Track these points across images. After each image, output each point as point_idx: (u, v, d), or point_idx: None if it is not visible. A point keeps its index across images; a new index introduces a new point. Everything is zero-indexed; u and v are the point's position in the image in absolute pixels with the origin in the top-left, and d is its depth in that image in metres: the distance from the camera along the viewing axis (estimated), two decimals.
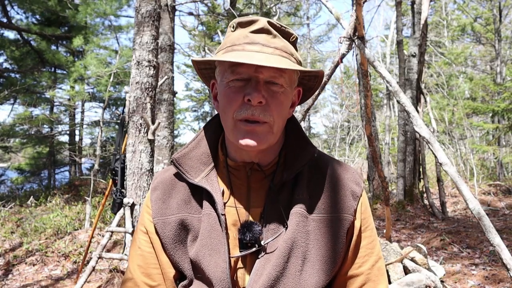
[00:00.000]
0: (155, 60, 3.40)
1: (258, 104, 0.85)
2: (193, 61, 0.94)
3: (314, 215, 0.91)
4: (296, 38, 0.92)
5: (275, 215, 0.90)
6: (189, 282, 0.94)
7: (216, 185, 0.93)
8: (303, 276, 0.87)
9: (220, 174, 0.97)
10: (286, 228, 0.89)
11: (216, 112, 1.00)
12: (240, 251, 0.89)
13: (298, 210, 0.90)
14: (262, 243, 0.88)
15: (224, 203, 0.93)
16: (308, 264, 0.88)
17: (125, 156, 3.47)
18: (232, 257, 0.89)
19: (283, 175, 0.93)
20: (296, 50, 0.94)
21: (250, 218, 0.92)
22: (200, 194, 0.95)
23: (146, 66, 3.34)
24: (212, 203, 0.92)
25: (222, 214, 0.90)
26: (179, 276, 0.97)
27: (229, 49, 0.89)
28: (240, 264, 0.90)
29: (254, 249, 0.88)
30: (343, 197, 0.94)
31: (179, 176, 0.98)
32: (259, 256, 0.88)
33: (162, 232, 0.94)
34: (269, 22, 0.88)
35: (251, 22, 0.89)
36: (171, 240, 0.93)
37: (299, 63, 0.93)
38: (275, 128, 0.89)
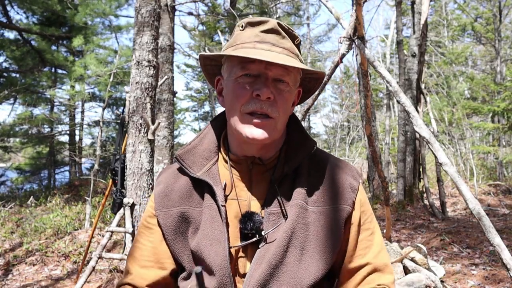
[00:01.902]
0: (155, 60, 3.40)
1: (267, 100, 0.89)
2: (200, 56, 0.98)
3: (314, 207, 0.94)
4: (300, 42, 0.96)
5: (276, 207, 0.93)
6: (188, 274, 0.96)
7: (217, 178, 0.96)
8: (302, 265, 0.90)
9: (222, 168, 1.00)
10: (286, 219, 0.92)
11: (217, 111, 1.02)
12: (241, 241, 0.92)
13: (298, 202, 0.93)
14: (262, 233, 0.91)
15: (226, 196, 0.96)
16: (307, 254, 0.91)
17: (125, 156, 3.47)
18: (233, 247, 0.92)
19: (284, 168, 0.96)
20: (300, 52, 0.98)
21: (252, 209, 0.95)
22: (202, 188, 0.98)
23: (146, 66, 3.33)
24: (213, 195, 0.94)
25: (223, 206, 0.92)
26: (178, 269, 1.00)
27: (239, 46, 0.91)
28: (241, 254, 0.93)
29: (254, 239, 0.91)
30: (342, 190, 0.97)
31: (182, 171, 1.01)
32: (260, 246, 0.91)
33: (164, 223, 0.97)
34: (278, 24, 0.91)
35: (261, 22, 0.92)
36: (172, 231, 0.97)
37: (301, 60, 0.97)
38: (279, 124, 0.93)
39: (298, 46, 0.96)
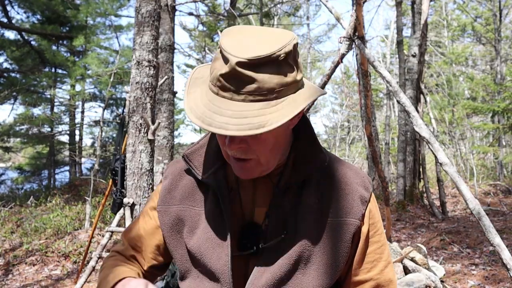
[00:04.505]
0: (155, 60, 3.40)
1: (239, 149, 0.82)
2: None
3: (322, 218, 0.90)
4: (289, 53, 0.78)
5: (279, 217, 0.90)
6: (182, 275, 0.95)
7: (222, 183, 0.93)
8: (306, 279, 0.87)
9: (228, 172, 0.97)
10: (287, 231, 0.89)
11: None
12: (240, 251, 0.90)
13: (304, 214, 0.90)
14: (263, 244, 0.88)
15: (229, 200, 0.93)
16: (312, 267, 0.88)
17: (125, 156, 3.47)
18: (234, 255, 0.90)
19: (290, 179, 0.92)
20: (291, 63, 0.79)
21: (255, 218, 0.92)
22: (207, 190, 0.95)
23: (146, 66, 3.34)
24: (217, 199, 0.92)
25: (227, 211, 0.90)
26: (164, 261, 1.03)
27: (208, 85, 0.81)
28: (240, 264, 0.91)
29: (251, 250, 0.89)
30: (351, 202, 0.92)
31: (188, 170, 1.00)
32: (262, 256, 0.89)
33: (162, 220, 0.98)
34: (239, 63, 0.74)
35: (226, 60, 0.76)
36: (168, 228, 0.96)
37: (290, 83, 0.79)
38: (263, 160, 0.85)
39: (285, 60, 0.78)
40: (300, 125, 0.96)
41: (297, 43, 0.81)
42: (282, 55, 0.76)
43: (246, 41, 0.78)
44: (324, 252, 0.89)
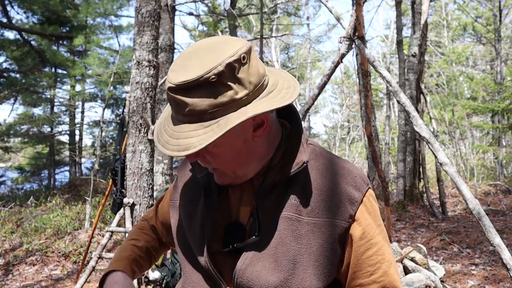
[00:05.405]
0: (155, 60, 3.40)
1: (200, 161, 0.88)
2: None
3: (307, 218, 0.88)
4: (218, 75, 0.76)
5: (263, 217, 0.89)
6: (182, 268, 1.01)
7: (213, 182, 0.95)
8: (294, 280, 0.86)
9: None
10: (270, 230, 0.89)
11: None
12: (224, 248, 0.92)
13: (287, 213, 0.89)
14: (245, 242, 0.89)
15: (218, 200, 0.95)
16: (300, 268, 0.87)
17: (125, 156, 3.47)
18: (215, 252, 0.92)
19: (275, 177, 0.90)
20: (226, 82, 0.77)
21: (240, 218, 0.94)
22: (201, 188, 0.98)
23: (146, 66, 3.34)
24: (206, 198, 0.95)
25: (214, 210, 0.94)
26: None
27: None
28: (229, 261, 0.92)
29: (228, 248, 0.91)
30: (338, 202, 0.89)
31: (192, 168, 1.04)
32: (244, 252, 0.90)
33: (172, 215, 1.06)
34: (170, 88, 0.79)
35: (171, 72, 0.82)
36: (174, 222, 1.05)
37: (226, 103, 0.77)
38: (226, 170, 0.88)
39: (219, 80, 0.76)
40: (292, 123, 0.94)
41: (238, 59, 0.77)
42: (212, 77, 0.75)
43: (185, 64, 0.79)
44: (310, 253, 0.87)
